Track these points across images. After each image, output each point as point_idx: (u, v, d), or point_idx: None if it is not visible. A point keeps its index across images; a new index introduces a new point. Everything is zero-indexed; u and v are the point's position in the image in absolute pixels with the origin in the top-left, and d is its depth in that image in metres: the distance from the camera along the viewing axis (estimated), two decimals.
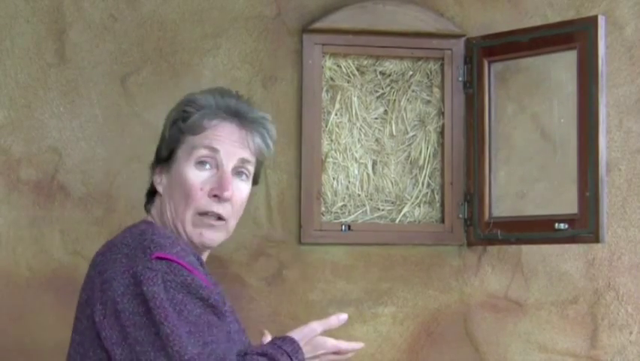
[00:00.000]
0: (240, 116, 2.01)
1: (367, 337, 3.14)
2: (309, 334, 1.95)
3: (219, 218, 1.98)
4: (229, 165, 1.97)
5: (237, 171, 1.99)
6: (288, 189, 3.12)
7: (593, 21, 2.89)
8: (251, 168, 2.01)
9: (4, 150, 2.98)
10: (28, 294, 2.95)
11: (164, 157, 1.99)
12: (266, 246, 3.11)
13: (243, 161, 1.99)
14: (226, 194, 1.95)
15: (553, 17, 3.23)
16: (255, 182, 2.08)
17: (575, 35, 2.92)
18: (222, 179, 1.96)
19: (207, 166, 1.96)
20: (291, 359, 1.88)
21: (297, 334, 1.93)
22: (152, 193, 2.05)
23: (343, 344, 2.01)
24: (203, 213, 1.96)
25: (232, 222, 2.02)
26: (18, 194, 2.98)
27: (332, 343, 1.99)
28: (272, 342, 1.90)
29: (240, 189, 2.00)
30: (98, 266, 1.88)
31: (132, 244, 1.87)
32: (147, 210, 2.06)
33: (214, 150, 1.96)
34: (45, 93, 3.01)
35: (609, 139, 3.15)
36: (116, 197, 3.00)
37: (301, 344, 1.92)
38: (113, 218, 2.96)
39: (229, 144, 1.98)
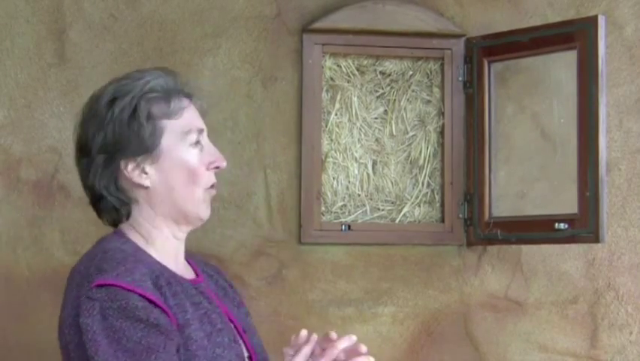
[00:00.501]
0: (188, 93, 2.02)
1: (367, 337, 3.14)
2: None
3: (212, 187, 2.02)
4: (206, 136, 2.01)
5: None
6: (287, 189, 3.12)
7: (593, 21, 2.89)
8: None
9: (4, 150, 2.98)
10: (27, 294, 2.95)
11: (149, 148, 1.93)
12: (266, 246, 3.11)
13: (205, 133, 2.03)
14: (224, 163, 2.01)
15: (553, 17, 3.23)
16: None
17: (575, 35, 2.92)
18: (214, 150, 2.00)
19: (199, 145, 1.98)
20: None
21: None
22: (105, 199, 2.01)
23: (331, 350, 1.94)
24: (211, 187, 1.99)
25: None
26: (18, 194, 2.98)
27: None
28: None
29: None
30: (66, 287, 1.91)
31: (83, 271, 1.88)
32: (127, 216, 2.01)
33: (200, 130, 1.99)
34: (45, 93, 3.01)
35: (609, 139, 3.14)
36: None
37: None
38: None
39: (200, 121, 2.01)
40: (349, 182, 3.19)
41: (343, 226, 3.15)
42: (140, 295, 1.80)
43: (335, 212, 3.17)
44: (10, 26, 2.99)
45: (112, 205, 1.97)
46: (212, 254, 3.03)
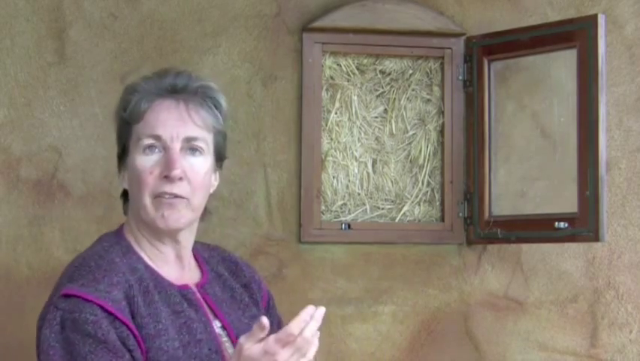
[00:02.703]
0: (179, 92, 1.93)
1: (367, 336, 3.14)
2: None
3: (176, 197, 1.89)
4: (176, 146, 1.89)
5: (189, 148, 1.91)
6: (287, 187, 3.12)
7: (593, 20, 2.89)
8: (202, 144, 1.93)
9: (4, 149, 2.98)
10: (27, 292, 2.95)
11: (119, 154, 1.96)
12: (266, 245, 3.11)
13: (189, 139, 1.91)
14: (174, 173, 1.87)
15: (553, 16, 3.23)
16: (220, 156, 2.02)
17: (575, 34, 2.92)
18: (169, 160, 1.88)
19: (156, 150, 1.90)
20: None
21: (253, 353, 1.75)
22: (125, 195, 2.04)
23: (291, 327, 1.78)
24: (158, 196, 1.89)
25: (196, 201, 1.92)
26: (18, 193, 2.98)
27: (272, 339, 1.75)
28: None
29: (194, 165, 1.91)
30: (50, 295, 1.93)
31: (64, 273, 1.92)
32: (125, 212, 2.05)
33: (156, 137, 1.89)
34: (45, 92, 3.01)
35: (609, 138, 3.14)
36: (115, 196, 2.96)
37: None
38: (113, 217, 2.94)
39: (171, 126, 1.90)
40: (349, 181, 3.19)
41: (343, 225, 3.15)
42: (100, 305, 1.80)
43: (335, 211, 3.17)
44: (10, 25, 2.99)
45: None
46: None
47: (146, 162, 1.90)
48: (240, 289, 2.09)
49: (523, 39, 3.05)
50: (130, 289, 1.85)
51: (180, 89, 1.94)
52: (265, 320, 1.74)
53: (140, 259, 1.93)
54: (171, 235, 1.94)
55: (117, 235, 1.97)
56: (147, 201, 1.89)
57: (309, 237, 3.11)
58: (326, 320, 3.18)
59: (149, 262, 1.94)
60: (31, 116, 3.00)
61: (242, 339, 1.75)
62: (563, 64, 3.00)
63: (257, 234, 3.11)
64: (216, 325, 1.97)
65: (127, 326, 1.81)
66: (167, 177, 1.88)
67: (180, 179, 1.88)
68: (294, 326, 1.76)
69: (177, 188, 1.88)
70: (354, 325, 3.13)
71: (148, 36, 3.06)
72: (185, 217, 1.91)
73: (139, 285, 1.87)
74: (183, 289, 1.94)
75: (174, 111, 1.92)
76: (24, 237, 2.97)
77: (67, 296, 1.83)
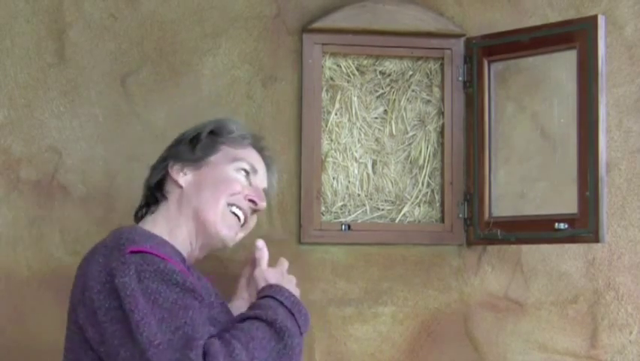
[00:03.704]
0: (265, 156, 2.27)
1: (367, 336, 3.14)
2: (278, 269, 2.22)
3: (244, 214, 2.16)
4: (260, 185, 2.20)
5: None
6: (287, 188, 3.12)
7: (592, 21, 2.89)
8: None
9: (4, 150, 2.98)
10: (27, 294, 2.95)
11: (196, 158, 2.14)
12: (266, 245, 3.11)
13: (264, 191, 2.23)
14: (262, 204, 2.17)
15: (553, 17, 3.23)
16: None
17: (574, 35, 2.92)
18: (260, 191, 2.18)
19: (243, 175, 2.16)
20: (277, 300, 1.97)
21: (269, 277, 2.16)
22: (150, 200, 2.11)
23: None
24: (232, 204, 2.12)
25: (241, 235, 2.25)
26: (18, 194, 2.98)
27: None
28: (252, 305, 2.02)
29: (256, 216, 2.25)
30: (81, 269, 1.92)
31: (109, 244, 1.92)
32: (139, 216, 2.11)
33: (254, 169, 2.17)
34: (45, 93, 3.01)
35: (609, 139, 3.15)
36: (116, 197, 3.00)
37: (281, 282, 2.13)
38: (113, 218, 2.96)
39: (262, 172, 2.20)
40: (349, 182, 3.19)
41: (343, 226, 3.15)
42: (173, 264, 1.86)
43: (335, 212, 3.17)
44: (10, 26, 2.99)
45: (150, 189, 2.17)
46: (212, 254, 3.02)
47: (239, 178, 2.16)
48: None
49: (523, 40, 3.05)
50: (184, 262, 1.98)
51: (268, 156, 2.32)
52: (260, 242, 2.24)
53: (173, 246, 2.04)
54: (215, 246, 2.18)
55: (135, 228, 2.04)
56: (222, 203, 2.11)
57: (309, 238, 3.11)
58: (326, 320, 3.20)
59: (181, 251, 2.06)
60: (31, 117, 3.00)
61: (257, 272, 2.15)
62: (563, 65, 3.00)
63: (257, 235, 3.10)
64: None
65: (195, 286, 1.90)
66: (252, 201, 2.17)
67: (255, 212, 2.21)
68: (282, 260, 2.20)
69: (248, 211, 2.18)
70: (354, 326, 3.13)
71: (148, 37, 3.06)
72: (232, 238, 2.20)
73: (184, 263, 1.99)
74: (207, 280, 2.09)
75: (264, 167, 2.27)
76: (24, 238, 2.97)
77: (136, 253, 1.85)
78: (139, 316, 1.76)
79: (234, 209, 2.12)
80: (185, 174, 2.13)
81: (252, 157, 2.22)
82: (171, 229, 2.04)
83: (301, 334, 1.98)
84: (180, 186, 2.12)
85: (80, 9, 3.03)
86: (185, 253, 2.06)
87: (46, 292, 2.95)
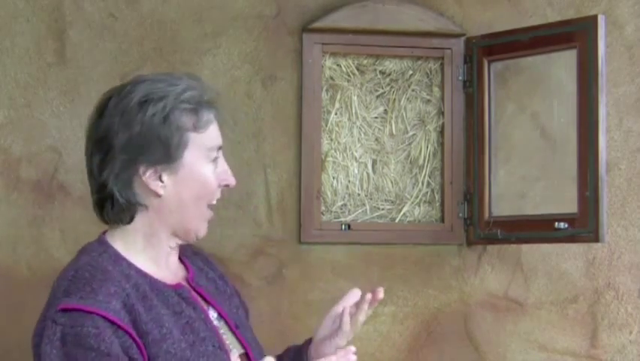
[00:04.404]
0: (214, 105, 1.98)
1: (367, 336, 3.14)
2: None
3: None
4: (222, 156, 1.98)
5: None
6: (287, 188, 3.12)
7: (593, 20, 2.89)
8: None
9: (4, 150, 2.98)
10: (27, 293, 2.95)
11: (172, 159, 1.90)
12: (266, 245, 3.11)
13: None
14: (234, 182, 1.99)
15: (553, 16, 3.23)
16: None
17: (574, 35, 2.92)
18: (228, 171, 1.98)
19: (215, 161, 1.96)
20: None
21: None
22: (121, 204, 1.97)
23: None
24: (210, 204, 1.97)
25: None
26: (18, 193, 2.98)
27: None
28: None
29: None
30: (43, 310, 1.92)
31: (56, 288, 1.90)
32: (113, 220, 1.96)
33: (220, 148, 1.96)
34: (45, 93, 3.01)
35: (609, 138, 3.14)
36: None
37: None
38: None
39: (220, 137, 1.98)
40: (349, 181, 3.19)
41: (343, 226, 3.15)
42: (102, 316, 1.79)
43: (335, 211, 3.17)
44: (10, 26, 2.99)
45: (119, 206, 1.92)
46: (212, 254, 3.02)
47: (212, 172, 1.95)
48: (219, 280, 2.13)
49: (523, 40, 3.05)
50: (128, 298, 1.85)
51: (213, 100, 1.97)
52: (380, 292, 2.09)
53: (130, 265, 1.92)
54: (188, 242, 2.00)
55: (101, 244, 1.95)
56: (204, 210, 1.95)
57: (309, 237, 3.11)
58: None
59: (141, 267, 1.93)
60: (31, 116, 3.00)
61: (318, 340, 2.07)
62: (562, 64, 3.00)
63: (257, 234, 3.10)
64: (212, 316, 1.99)
65: (129, 334, 1.81)
66: (227, 186, 1.98)
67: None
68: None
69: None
70: None
71: (148, 37, 3.06)
72: None
73: (136, 291, 1.87)
74: (178, 289, 1.95)
75: (216, 122, 1.97)
76: (24, 237, 2.97)
77: (65, 310, 1.81)
78: None
79: (210, 211, 1.97)
80: (163, 181, 1.89)
81: (214, 131, 1.95)
82: (148, 240, 1.95)
83: None
84: (158, 195, 1.91)
85: (80, 9, 3.03)
86: (160, 259, 1.98)
87: (46, 292, 2.92)
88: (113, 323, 1.80)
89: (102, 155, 1.91)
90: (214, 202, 1.98)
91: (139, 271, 1.92)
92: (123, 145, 1.88)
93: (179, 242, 1.99)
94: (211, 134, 1.95)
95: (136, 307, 1.84)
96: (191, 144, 1.92)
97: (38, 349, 1.84)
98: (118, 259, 1.92)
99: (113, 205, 1.92)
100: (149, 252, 1.95)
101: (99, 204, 1.96)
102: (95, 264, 1.89)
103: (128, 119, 1.88)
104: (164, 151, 1.89)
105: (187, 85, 1.94)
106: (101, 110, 1.93)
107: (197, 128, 1.92)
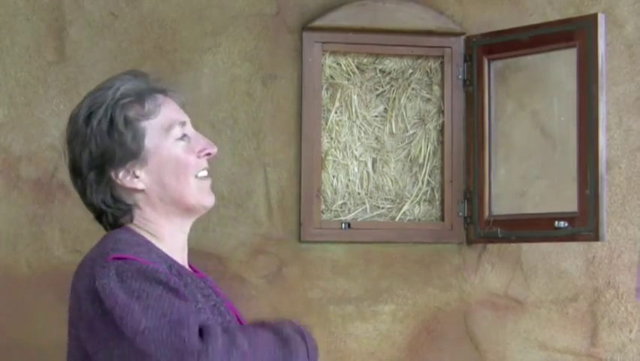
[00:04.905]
0: (162, 89, 2.01)
1: (367, 335, 3.14)
2: None
3: (208, 173, 2.00)
4: (191, 129, 2.00)
5: None
6: (287, 187, 3.12)
7: (592, 19, 2.89)
8: None
9: (4, 148, 2.98)
10: (27, 292, 2.95)
11: (134, 152, 1.93)
12: (266, 244, 3.11)
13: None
14: (214, 149, 1.99)
15: (553, 15, 3.23)
16: None
17: (574, 33, 2.92)
18: (202, 140, 1.99)
19: (185, 138, 1.97)
20: (303, 335, 1.88)
21: None
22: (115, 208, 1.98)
23: None
24: (198, 175, 1.97)
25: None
26: (18, 192, 2.98)
27: None
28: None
29: None
30: (73, 283, 1.89)
31: (94, 255, 1.87)
32: (114, 223, 1.98)
33: (183, 123, 1.98)
34: (45, 91, 3.01)
35: (609, 137, 3.15)
36: None
37: None
38: None
39: (182, 113, 2.00)
40: (349, 180, 3.19)
41: (343, 224, 3.15)
42: (158, 269, 1.81)
43: (335, 210, 3.17)
44: (10, 24, 2.99)
45: (114, 216, 1.97)
46: (212, 252, 3.03)
47: (183, 148, 1.96)
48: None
49: (523, 38, 3.05)
50: (170, 268, 1.89)
51: (159, 85, 2.01)
52: None
53: (160, 250, 1.95)
54: (200, 214, 2.01)
55: (128, 230, 1.97)
56: (193, 181, 1.96)
57: (309, 236, 3.11)
58: (326, 318, 3.20)
59: (170, 254, 1.96)
60: (31, 115, 3.00)
61: None
62: (562, 63, 3.00)
63: (257, 233, 3.10)
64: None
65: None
66: (208, 154, 1.98)
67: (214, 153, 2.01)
68: None
69: (206, 164, 2.00)
70: (354, 324, 3.13)
71: (148, 35, 3.06)
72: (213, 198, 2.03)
73: (174, 268, 1.91)
74: (201, 277, 2.01)
75: (174, 102, 2.00)
76: (24, 236, 2.97)
77: (117, 259, 1.80)
78: (120, 310, 1.72)
79: (201, 174, 1.98)
80: (138, 176, 1.94)
81: (168, 111, 1.98)
82: (155, 232, 1.99)
83: (309, 357, 1.94)
84: (141, 190, 1.95)
85: (80, 7, 3.03)
86: (177, 250, 2.01)
87: (46, 291, 2.95)
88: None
89: (79, 178, 1.99)
90: (203, 173, 1.99)
91: (168, 256, 1.95)
92: (88, 163, 1.95)
93: (192, 218, 2.01)
94: (165, 116, 1.97)
95: (176, 279, 1.87)
96: (147, 131, 1.95)
97: (92, 306, 1.77)
98: (149, 242, 1.95)
99: (110, 217, 1.98)
100: (167, 241, 1.98)
101: (100, 221, 2.02)
102: (136, 239, 1.92)
103: (82, 138, 1.95)
104: (124, 150, 1.93)
105: (121, 81, 1.98)
106: (67, 139, 2.01)
107: (145, 115, 1.95)
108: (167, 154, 1.95)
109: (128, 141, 1.93)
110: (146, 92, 1.97)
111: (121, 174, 1.94)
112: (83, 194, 2.00)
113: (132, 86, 1.98)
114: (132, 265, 1.78)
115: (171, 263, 1.92)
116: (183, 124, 1.98)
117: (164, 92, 2.00)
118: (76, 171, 1.98)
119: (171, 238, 1.99)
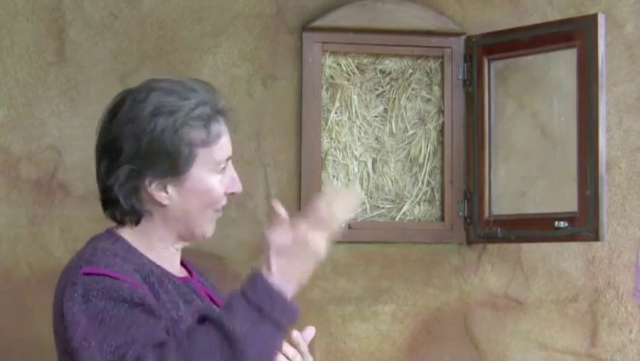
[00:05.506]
0: (225, 114, 1.97)
1: (367, 335, 3.14)
2: None
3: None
4: (232, 166, 1.98)
5: None
6: (287, 187, 3.12)
7: (592, 19, 2.89)
8: None
9: (4, 149, 2.98)
10: (27, 292, 2.95)
11: (178, 173, 1.90)
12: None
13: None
14: (240, 190, 2.00)
15: (553, 15, 3.23)
16: None
17: (574, 33, 2.92)
18: (236, 180, 1.98)
19: (223, 170, 1.96)
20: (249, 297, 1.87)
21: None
22: (126, 213, 1.96)
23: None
24: (217, 210, 1.97)
25: None
26: (18, 192, 2.98)
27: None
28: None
29: None
30: (56, 286, 1.91)
31: (72, 263, 1.88)
32: (120, 220, 1.96)
33: (229, 158, 1.96)
34: (45, 92, 3.01)
35: (609, 137, 3.14)
36: None
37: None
38: None
39: (230, 146, 1.97)
40: (349, 180, 3.19)
41: (343, 224, 3.14)
42: (128, 282, 1.79)
43: None
44: (10, 25, 2.99)
45: (124, 210, 1.93)
46: (213, 253, 3.03)
47: (219, 182, 1.95)
48: (213, 288, 2.14)
49: (523, 38, 3.05)
50: (147, 276, 1.86)
51: (224, 109, 1.96)
52: (279, 208, 1.90)
53: (142, 255, 1.94)
54: (197, 241, 1.99)
55: (111, 235, 1.97)
56: (210, 214, 1.95)
57: None
58: (326, 319, 3.19)
59: (154, 259, 1.95)
60: (31, 115, 3.00)
61: (267, 233, 1.91)
62: (562, 63, 3.01)
63: (257, 233, 3.10)
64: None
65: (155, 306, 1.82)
66: (233, 194, 1.98)
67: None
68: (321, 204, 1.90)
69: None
70: (354, 324, 3.13)
71: (148, 36, 3.06)
72: None
73: (153, 275, 1.89)
74: (187, 282, 1.99)
75: (227, 131, 1.96)
76: (24, 236, 2.97)
77: (88, 275, 1.79)
78: (77, 342, 1.75)
79: (217, 213, 2.01)
80: (168, 193, 1.90)
81: (224, 143, 1.95)
82: (154, 243, 1.97)
83: (279, 327, 1.91)
84: (163, 205, 1.91)
85: (79, 7, 3.03)
86: (167, 258, 2.00)
87: (46, 291, 2.92)
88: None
89: (109, 160, 1.91)
90: (220, 208, 1.98)
91: (151, 261, 1.94)
92: (131, 155, 1.89)
93: (186, 244, 2.00)
94: (221, 147, 1.95)
95: (155, 286, 1.86)
96: (199, 158, 1.92)
97: (61, 307, 1.81)
98: (130, 248, 1.94)
99: (119, 208, 1.94)
100: (155, 251, 1.96)
101: (105, 204, 1.97)
102: (114, 247, 1.90)
103: (138, 129, 1.88)
104: (172, 165, 1.89)
105: (199, 100, 1.93)
106: (113, 113, 1.94)
107: (206, 143, 1.92)
108: (205, 185, 1.93)
109: (180, 161, 1.89)
110: (212, 116, 1.93)
111: (154, 184, 1.90)
112: (104, 175, 1.92)
113: (206, 109, 1.92)
114: (99, 283, 1.78)
115: (153, 270, 1.89)
116: (229, 160, 1.96)
117: (225, 116, 1.95)
118: (108, 150, 1.91)
119: (165, 249, 1.97)
